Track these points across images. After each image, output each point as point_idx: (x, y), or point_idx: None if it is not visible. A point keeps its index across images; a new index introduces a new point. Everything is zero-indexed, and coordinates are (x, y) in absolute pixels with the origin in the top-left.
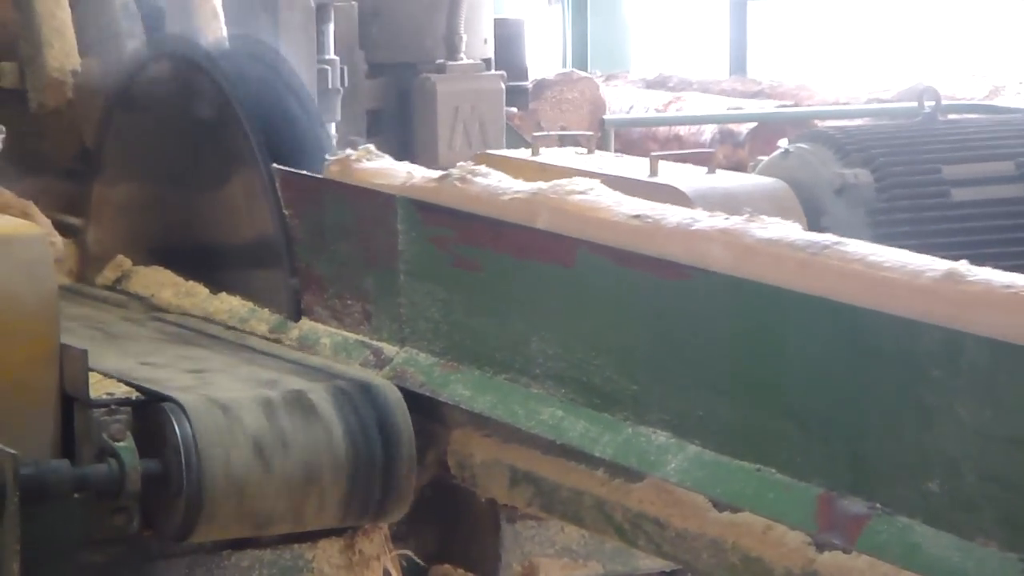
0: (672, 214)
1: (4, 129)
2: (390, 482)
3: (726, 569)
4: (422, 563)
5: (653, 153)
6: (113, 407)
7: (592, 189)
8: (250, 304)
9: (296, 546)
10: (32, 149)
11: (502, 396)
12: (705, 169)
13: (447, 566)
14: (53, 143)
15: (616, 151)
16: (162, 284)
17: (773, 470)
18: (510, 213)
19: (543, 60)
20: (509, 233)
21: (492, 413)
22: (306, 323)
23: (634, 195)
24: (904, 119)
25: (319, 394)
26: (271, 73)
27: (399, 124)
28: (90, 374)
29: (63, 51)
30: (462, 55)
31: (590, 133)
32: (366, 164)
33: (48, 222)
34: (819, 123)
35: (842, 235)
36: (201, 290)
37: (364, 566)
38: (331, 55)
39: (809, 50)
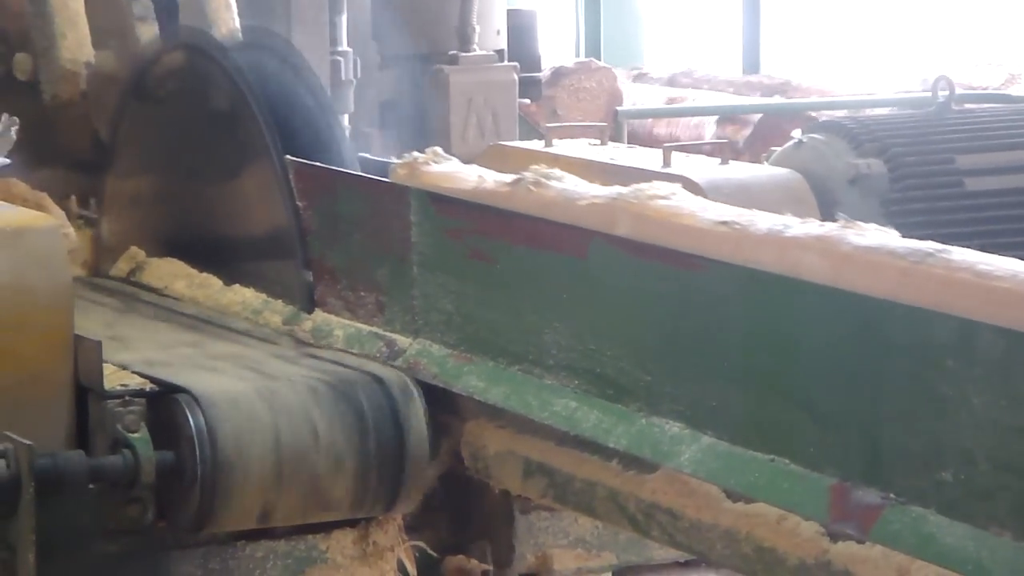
0: (761, 220)
1: (17, 121)
2: (404, 473)
3: (740, 559)
4: (436, 554)
5: (666, 144)
6: (127, 398)
7: (674, 194)
8: (263, 296)
9: (310, 537)
10: (46, 141)
11: (515, 387)
12: (718, 160)
13: (461, 557)
14: (66, 135)
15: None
16: (176, 276)
17: (787, 460)
18: (588, 219)
19: (556, 51)
20: (522, 224)
21: (506, 404)
22: (319, 315)
23: None
24: (918, 109)
25: (333, 386)
26: (284, 65)
27: (412, 115)
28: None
29: (76, 43)
30: (475, 46)
31: (603, 124)
32: (434, 167)
33: (62, 213)
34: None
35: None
36: (215, 282)
37: (378, 557)
38: (344, 46)
39: (822, 43)
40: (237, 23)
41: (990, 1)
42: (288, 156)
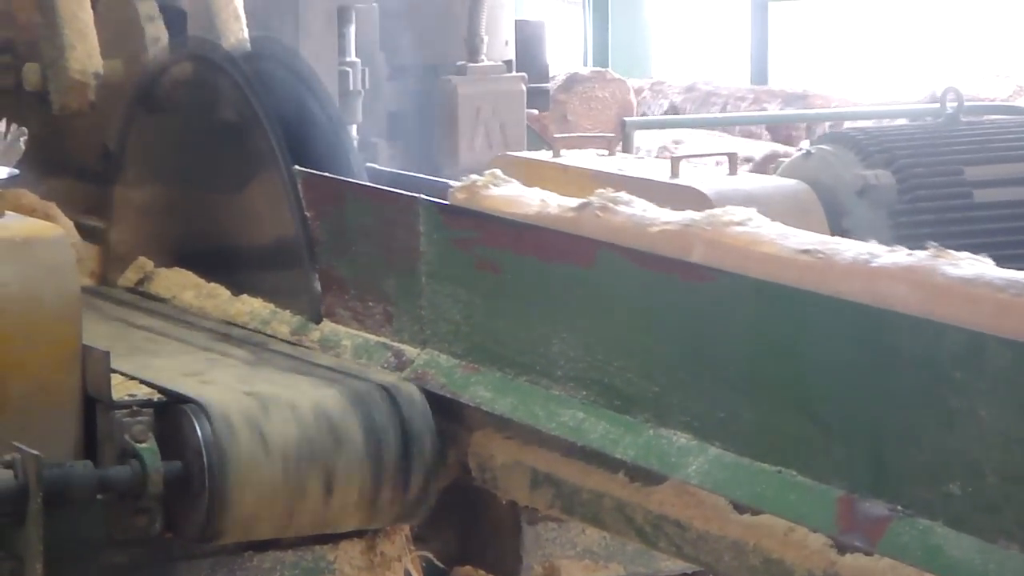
0: (846, 248)
1: (26, 131)
2: (411, 483)
3: (747, 571)
4: (443, 565)
5: (673, 154)
6: (135, 408)
7: (751, 219)
8: (271, 306)
9: (318, 547)
10: (54, 151)
11: (523, 398)
12: (726, 170)
13: (468, 568)
14: (75, 145)
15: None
16: (184, 286)
17: (794, 472)
18: (661, 246)
19: (564, 62)
20: (530, 235)
21: (513, 415)
22: (327, 325)
23: (655, 197)
24: (926, 120)
25: (341, 396)
26: (292, 75)
27: (420, 126)
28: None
29: (86, 53)
30: (483, 57)
31: (611, 135)
32: (494, 191)
33: (70, 224)
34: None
35: (863, 237)
36: (223, 292)
37: (385, 567)
38: (352, 57)
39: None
40: (246, 34)
41: (998, 13)
42: (296, 166)
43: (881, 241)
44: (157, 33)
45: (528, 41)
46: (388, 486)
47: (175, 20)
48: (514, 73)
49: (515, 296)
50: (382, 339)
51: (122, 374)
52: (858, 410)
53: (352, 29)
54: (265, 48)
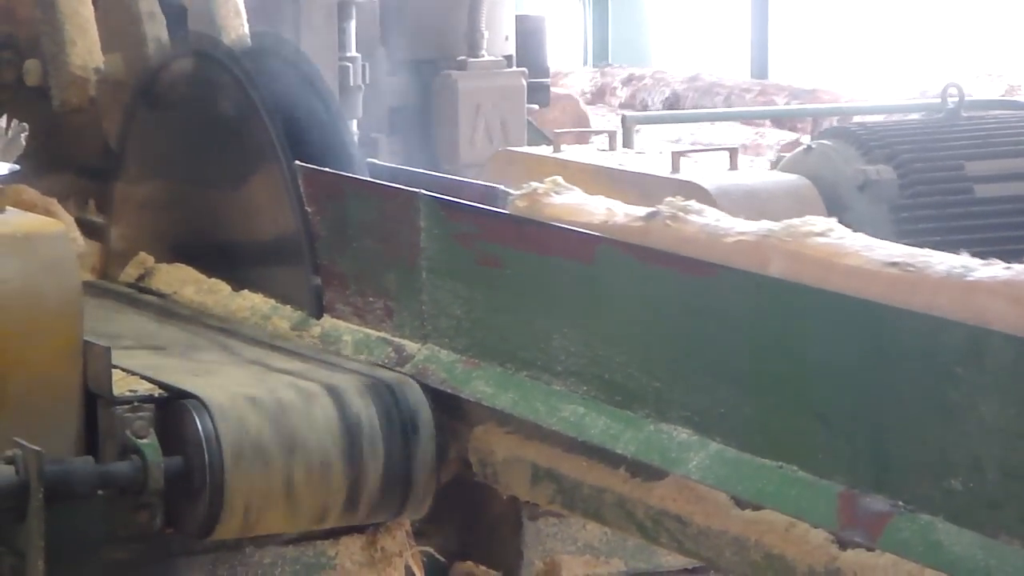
0: (937, 261)
1: (27, 127)
2: (412, 479)
3: (748, 566)
4: (443, 560)
5: (675, 149)
6: (136, 404)
7: (832, 230)
8: (272, 301)
9: (318, 543)
10: (55, 147)
11: (524, 393)
12: (727, 165)
13: (469, 563)
14: (76, 141)
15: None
16: (184, 281)
17: (795, 467)
18: (735, 259)
19: (564, 56)
20: (530, 230)
21: (514, 410)
22: (328, 320)
23: (657, 191)
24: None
25: (341, 391)
26: (293, 70)
27: (420, 121)
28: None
29: (86, 49)
30: (483, 52)
31: (612, 130)
32: (556, 199)
33: (71, 219)
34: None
35: (863, 232)
36: (223, 287)
37: (386, 563)
38: (353, 52)
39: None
40: (246, 29)
41: (991, 13)
42: (297, 162)
43: (881, 236)
44: (157, 29)
45: (528, 36)
46: (388, 481)
47: (176, 16)
48: (514, 68)
49: (516, 291)
50: (383, 334)
51: (123, 369)
52: (859, 405)
53: (352, 24)
54: (266, 44)
